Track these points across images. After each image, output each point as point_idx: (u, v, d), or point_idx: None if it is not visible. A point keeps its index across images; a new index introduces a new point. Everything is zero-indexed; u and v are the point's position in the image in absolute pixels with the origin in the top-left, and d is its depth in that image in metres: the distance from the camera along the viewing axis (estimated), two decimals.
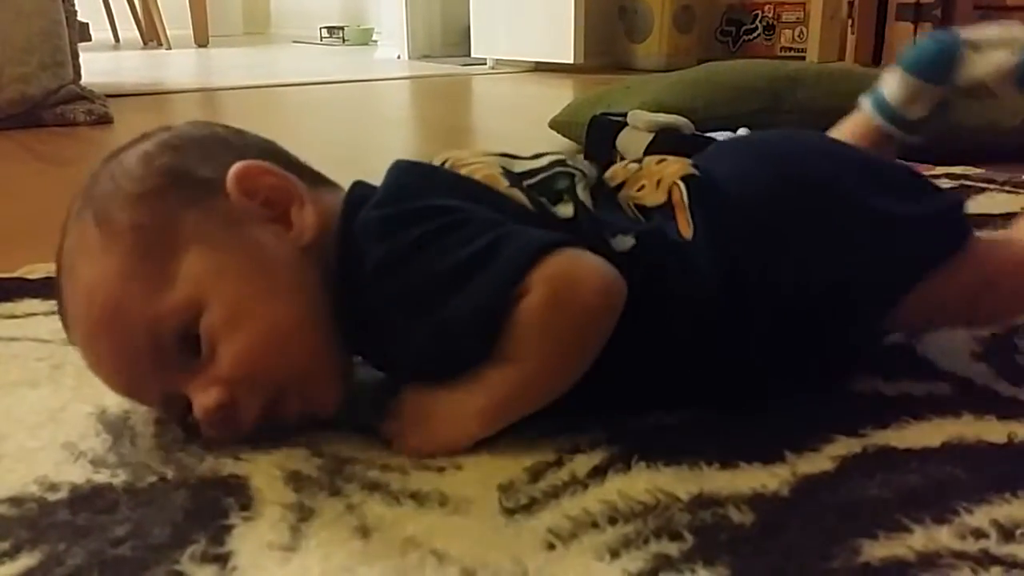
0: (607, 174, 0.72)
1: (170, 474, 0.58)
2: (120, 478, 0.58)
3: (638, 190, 0.69)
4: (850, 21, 2.74)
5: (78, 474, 0.58)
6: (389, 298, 0.59)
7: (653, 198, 0.68)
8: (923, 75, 0.86)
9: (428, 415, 0.61)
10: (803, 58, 3.18)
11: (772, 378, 0.65)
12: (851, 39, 2.71)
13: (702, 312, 0.62)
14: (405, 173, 0.65)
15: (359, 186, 0.65)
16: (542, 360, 0.59)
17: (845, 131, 0.92)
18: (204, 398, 0.58)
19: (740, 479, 0.56)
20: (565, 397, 0.60)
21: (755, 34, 3.45)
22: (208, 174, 0.61)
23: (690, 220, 0.64)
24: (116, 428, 0.64)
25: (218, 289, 0.58)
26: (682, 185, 0.66)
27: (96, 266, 0.58)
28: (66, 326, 0.62)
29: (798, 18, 3.29)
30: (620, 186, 0.70)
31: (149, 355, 0.58)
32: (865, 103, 0.89)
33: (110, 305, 0.58)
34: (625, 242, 0.62)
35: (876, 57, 2.66)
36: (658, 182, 0.68)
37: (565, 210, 0.64)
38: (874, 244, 0.66)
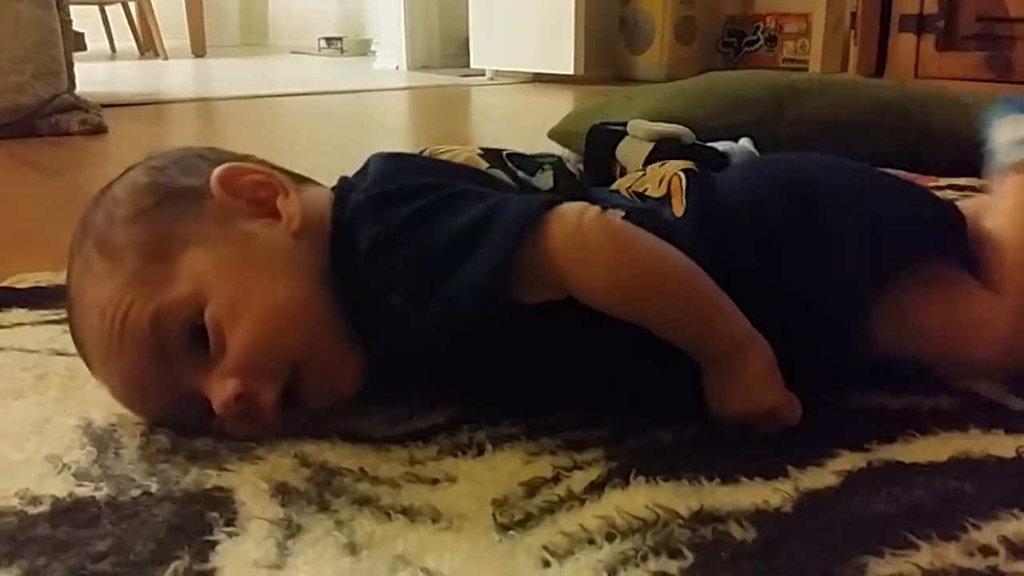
0: (617, 184, 0.76)
1: (154, 487, 0.56)
2: (103, 491, 0.56)
3: (643, 191, 0.73)
4: (852, 32, 2.74)
5: (60, 487, 0.57)
6: (385, 281, 0.59)
7: (655, 193, 0.71)
8: None
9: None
10: (806, 69, 3.18)
11: None
12: (853, 50, 2.70)
13: None
14: (387, 160, 0.66)
15: (345, 179, 0.67)
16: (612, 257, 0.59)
17: None
18: (220, 392, 0.58)
19: (742, 494, 0.55)
20: (554, 373, 0.62)
21: (757, 45, 3.45)
22: (192, 183, 0.64)
23: (683, 202, 0.67)
24: (101, 440, 0.63)
25: (218, 281, 0.59)
26: (681, 175, 0.70)
27: (102, 286, 0.60)
28: (85, 358, 0.64)
29: (800, 29, 3.29)
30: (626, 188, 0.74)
31: (160, 358, 0.59)
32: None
33: (119, 315, 0.59)
34: (615, 215, 0.63)
35: (879, 68, 2.66)
36: (660, 180, 0.71)
37: (544, 179, 0.67)
38: (857, 235, 0.66)
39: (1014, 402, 0.66)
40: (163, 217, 0.61)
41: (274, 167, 0.69)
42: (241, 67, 4.52)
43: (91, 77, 3.00)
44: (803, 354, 0.64)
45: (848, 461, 0.58)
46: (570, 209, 0.59)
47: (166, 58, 4.83)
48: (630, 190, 0.72)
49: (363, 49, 4.96)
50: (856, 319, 0.66)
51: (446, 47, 4.06)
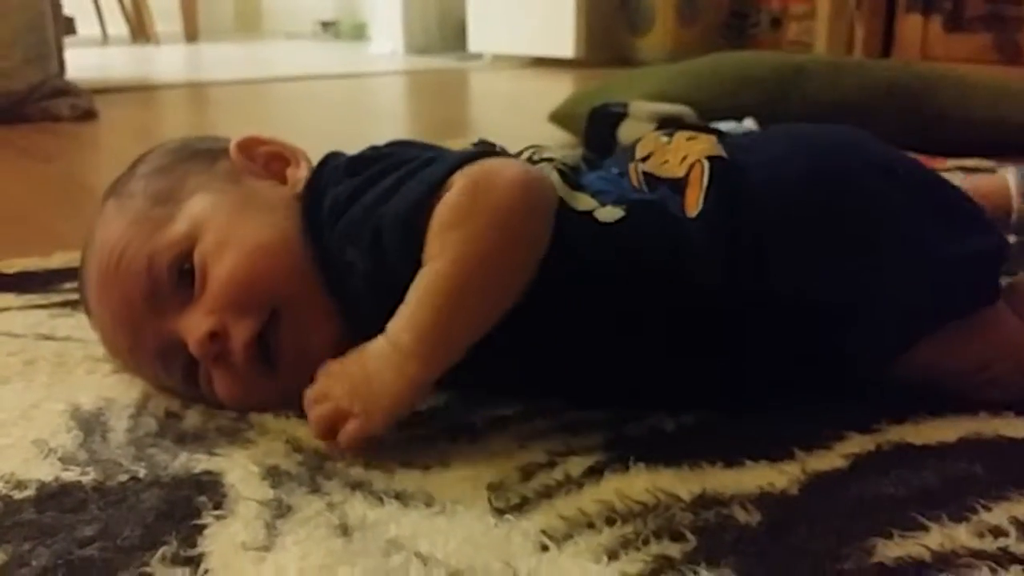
0: (640, 144, 0.70)
1: (142, 472, 0.55)
2: (90, 476, 0.55)
3: (663, 163, 0.67)
4: (858, 13, 2.71)
5: (46, 472, 0.56)
6: (341, 237, 0.59)
7: (671, 171, 0.65)
8: None
9: (354, 380, 0.55)
10: (809, 52, 3.16)
11: (757, 382, 0.61)
12: (859, 31, 2.68)
13: (696, 292, 0.60)
14: (368, 149, 0.67)
15: (325, 157, 0.68)
16: (460, 250, 0.55)
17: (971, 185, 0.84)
18: (196, 329, 0.58)
19: (746, 477, 0.53)
20: (549, 373, 0.60)
21: (761, 27, 3.42)
22: (211, 146, 0.69)
23: (701, 199, 0.61)
24: (88, 424, 0.61)
25: (212, 221, 0.61)
26: (706, 163, 0.63)
27: (110, 225, 0.63)
28: (83, 299, 0.66)
29: (805, 11, 3.26)
30: (647, 158, 0.68)
31: (151, 297, 0.60)
32: (1012, 176, 0.84)
33: (118, 249, 0.61)
34: (613, 213, 0.61)
35: (885, 50, 2.63)
36: (683, 158, 0.65)
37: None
38: (898, 276, 0.59)
39: None
40: (179, 171, 0.65)
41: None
42: (235, 52, 4.49)
43: (82, 62, 2.97)
44: (819, 371, 0.61)
45: (856, 443, 0.57)
46: (507, 165, 0.59)
47: (158, 43, 4.80)
48: (643, 170, 0.67)
49: (359, 33, 4.92)
50: (888, 358, 0.60)
51: (443, 31, 4.03)
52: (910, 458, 0.55)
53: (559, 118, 1.77)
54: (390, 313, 0.56)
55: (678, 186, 0.63)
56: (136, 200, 0.64)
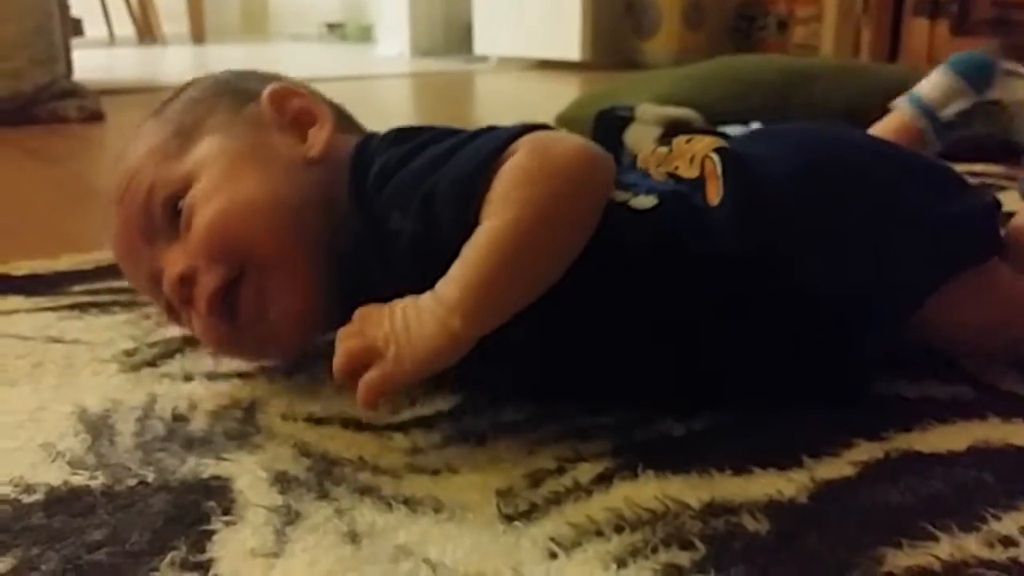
0: (639, 159, 0.71)
1: (150, 476, 0.55)
2: (98, 480, 0.55)
3: (674, 169, 0.67)
4: (865, 17, 2.70)
5: (55, 475, 0.56)
6: (387, 202, 0.59)
7: (688, 173, 0.66)
8: (969, 79, 0.90)
9: (394, 323, 0.54)
10: (817, 55, 3.16)
11: (779, 371, 0.62)
12: (866, 35, 2.67)
13: (718, 279, 0.60)
14: (409, 127, 0.67)
15: (367, 137, 0.68)
16: (521, 211, 0.54)
17: (879, 131, 0.93)
18: (171, 268, 0.61)
19: (755, 485, 0.53)
20: (568, 368, 0.60)
21: (767, 30, 3.42)
22: (250, 86, 0.69)
23: (721, 188, 0.62)
24: (96, 428, 0.61)
25: (213, 167, 0.62)
26: (715, 156, 0.64)
27: (139, 143, 0.66)
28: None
29: (811, 14, 3.25)
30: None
31: (147, 228, 0.63)
32: (902, 101, 0.91)
33: (130, 173, 0.64)
34: (647, 201, 0.62)
35: (892, 53, 2.62)
36: (691, 158, 0.67)
37: None
38: (905, 238, 0.63)
39: None
40: (209, 106, 0.67)
41: (335, 106, 0.72)
42: (241, 53, 4.50)
43: (89, 63, 2.98)
44: (849, 344, 0.62)
45: (865, 451, 0.57)
46: (569, 136, 0.59)
47: (165, 44, 4.81)
48: (661, 169, 0.68)
49: (365, 35, 4.93)
50: (909, 316, 0.64)
51: (449, 33, 4.03)
52: (919, 466, 0.55)
53: (565, 121, 1.77)
54: (434, 282, 0.55)
55: (697, 184, 0.64)
56: (164, 127, 0.66)
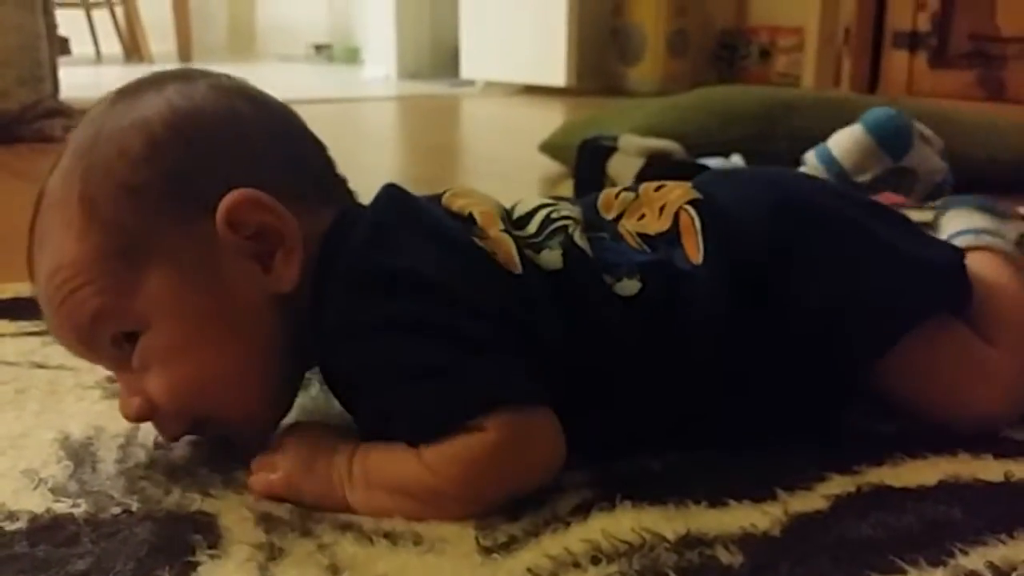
0: (600, 203, 0.69)
1: (134, 506, 0.56)
2: (81, 508, 0.55)
3: (639, 219, 0.67)
4: (846, 48, 2.75)
5: (37, 503, 0.56)
6: (342, 361, 0.58)
7: (657, 226, 0.66)
8: (886, 146, 0.90)
9: (299, 460, 0.57)
10: (798, 84, 3.20)
11: (764, 414, 0.63)
12: (847, 66, 2.71)
13: (711, 339, 0.61)
14: (390, 207, 0.62)
15: (340, 225, 0.60)
16: (460, 488, 0.54)
17: None
18: (127, 405, 0.58)
19: (729, 518, 0.54)
20: (578, 435, 0.58)
21: (750, 59, 3.46)
22: (205, 189, 0.57)
23: (701, 245, 0.63)
24: (78, 455, 0.62)
25: (168, 318, 0.57)
26: (691, 209, 0.65)
27: (68, 244, 0.57)
28: (30, 274, 0.60)
29: (793, 44, 3.30)
30: (619, 216, 0.68)
31: (88, 343, 0.58)
32: (813, 159, 0.90)
33: (67, 288, 0.56)
34: (631, 287, 0.61)
35: (872, 84, 2.66)
36: (661, 208, 0.66)
37: (552, 259, 0.61)
38: (880, 273, 0.64)
39: (1003, 427, 0.66)
40: (157, 212, 0.56)
41: (307, 160, 0.64)
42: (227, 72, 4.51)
43: (76, 81, 2.98)
44: (809, 396, 0.64)
45: (837, 484, 0.58)
46: (528, 425, 0.55)
47: (152, 63, 4.82)
48: (628, 225, 0.67)
49: (352, 57, 4.96)
50: (878, 356, 0.64)
51: (436, 56, 4.06)
52: (889, 500, 0.56)
53: (549, 148, 1.79)
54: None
55: (672, 237, 0.64)
56: (103, 228, 0.56)
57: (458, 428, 0.53)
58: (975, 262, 0.72)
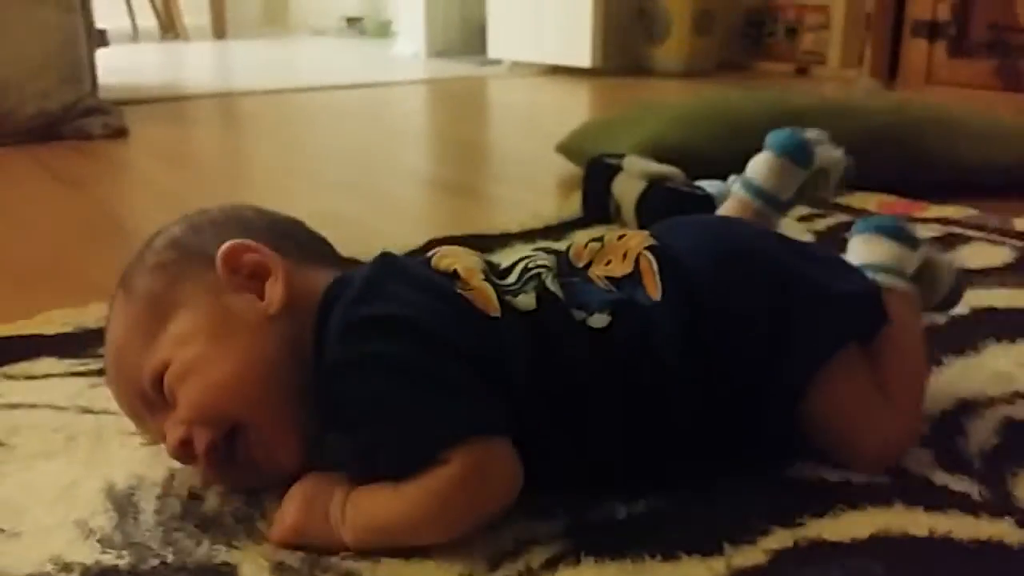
0: (571, 253, 0.81)
1: (170, 557, 0.64)
2: (125, 560, 0.64)
3: (606, 264, 0.78)
4: (866, 35, 2.76)
5: (87, 554, 0.65)
6: (332, 398, 0.67)
7: (621, 269, 0.77)
8: (795, 159, 0.97)
9: (314, 505, 0.66)
10: (823, 63, 3.21)
11: (710, 452, 0.72)
12: (867, 53, 2.73)
13: (674, 361, 0.70)
14: (382, 267, 0.73)
15: (337, 282, 0.72)
16: (434, 517, 0.63)
17: (728, 212, 1.00)
18: (170, 437, 0.69)
19: (679, 572, 0.62)
20: (551, 470, 0.68)
21: (776, 37, 3.47)
22: (206, 247, 0.73)
23: (659, 284, 0.74)
24: (121, 505, 0.71)
25: (186, 345, 0.69)
26: (650, 254, 0.76)
27: (118, 321, 0.73)
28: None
29: (820, 22, 3.31)
30: (588, 264, 0.79)
31: (140, 397, 0.71)
32: (740, 192, 0.98)
33: (119, 354, 0.73)
34: (602, 320, 0.71)
35: (892, 72, 2.68)
36: (624, 255, 0.77)
37: (527, 301, 0.71)
38: (807, 310, 0.73)
39: (939, 477, 0.72)
40: (175, 274, 0.72)
41: (297, 237, 0.78)
42: (261, 51, 4.60)
43: (112, 64, 3.04)
44: (754, 427, 0.72)
45: (778, 539, 0.65)
46: (490, 459, 0.64)
47: (187, 39, 4.90)
48: (597, 270, 0.77)
49: (383, 31, 5.00)
50: (805, 385, 0.72)
51: (465, 34, 4.09)
52: (821, 555, 0.63)
53: (565, 151, 1.85)
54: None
55: (635, 279, 0.75)
56: (136, 302, 0.72)
57: (428, 462, 0.63)
58: None
